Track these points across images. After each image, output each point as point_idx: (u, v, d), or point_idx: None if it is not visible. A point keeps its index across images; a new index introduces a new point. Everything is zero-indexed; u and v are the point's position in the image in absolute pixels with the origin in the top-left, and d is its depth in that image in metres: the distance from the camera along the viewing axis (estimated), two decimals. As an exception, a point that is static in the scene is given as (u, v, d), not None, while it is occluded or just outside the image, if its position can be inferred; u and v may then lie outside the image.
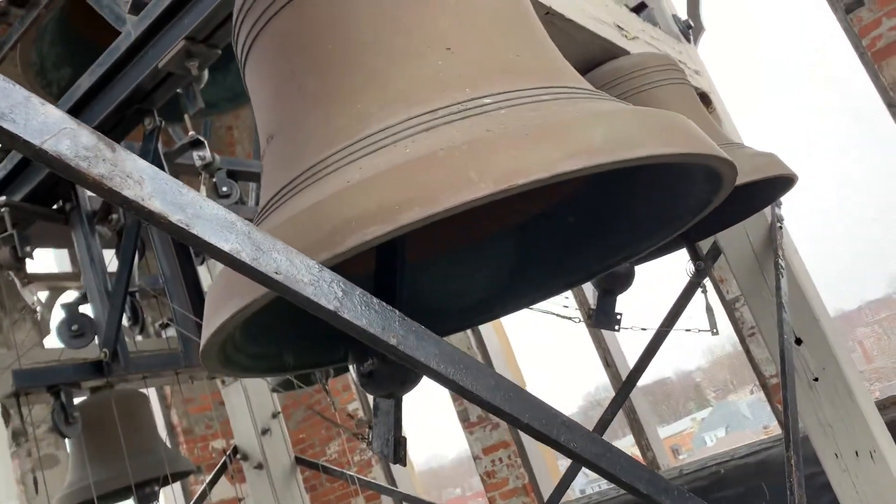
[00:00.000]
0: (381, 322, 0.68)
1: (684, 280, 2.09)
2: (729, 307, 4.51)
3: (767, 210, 2.37)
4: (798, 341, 2.30)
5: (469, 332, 5.42)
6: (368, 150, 0.79)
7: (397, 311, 0.70)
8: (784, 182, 1.79)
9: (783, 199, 2.40)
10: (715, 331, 2.08)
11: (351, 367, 1.16)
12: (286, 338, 1.17)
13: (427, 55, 0.87)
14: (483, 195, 0.69)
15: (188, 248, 2.19)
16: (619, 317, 1.86)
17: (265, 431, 3.73)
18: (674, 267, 2.08)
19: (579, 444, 0.84)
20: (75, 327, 1.83)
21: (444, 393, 5.67)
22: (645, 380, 5.17)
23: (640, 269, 2.10)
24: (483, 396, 0.76)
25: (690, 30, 2.67)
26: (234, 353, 1.00)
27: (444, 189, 0.70)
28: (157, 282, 2.08)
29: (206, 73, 1.83)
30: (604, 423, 2.79)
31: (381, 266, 1.20)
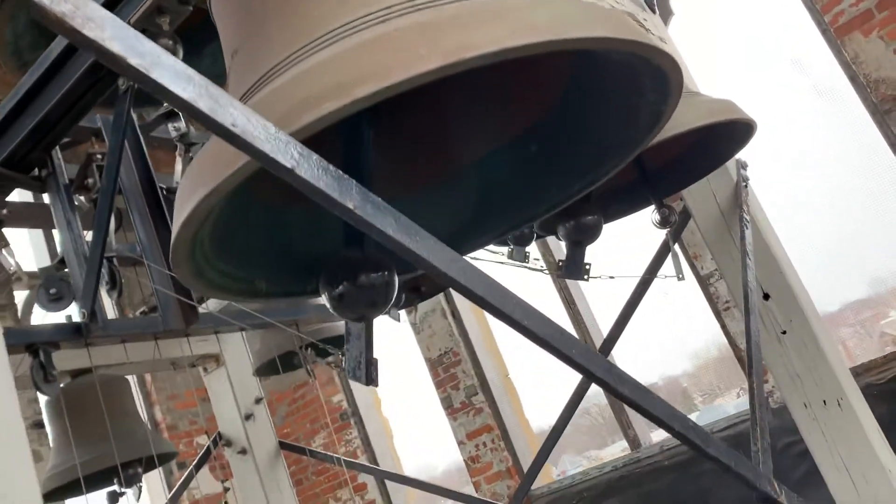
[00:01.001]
0: (338, 187, 0.72)
1: (650, 234, 2.14)
2: (703, 282, 4.58)
3: (733, 170, 2.43)
4: (766, 296, 2.36)
5: (451, 319, 5.48)
6: (327, 43, 0.84)
7: (354, 181, 0.74)
8: (743, 130, 1.85)
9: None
10: (681, 276, 2.13)
11: (323, 292, 1.19)
12: (258, 262, 1.20)
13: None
14: (432, 68, 0.73)
15: (165, 217, 2.22)
16: (587, 266, 1.91)
17: (249, 416, 3.74)
18: (641, 222, 2.14)
19: (533, 323, 0.88)
20: (53, 291, 1.85)
21: (434, 399, 5.70)
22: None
23: (607, 227, 2.15)
24: (439, 267, 0.80)
25: (655, 1, 2.74)
26: (204, 264, 1.03)
27: (395, 65, 0.74)
28: (134, 249, 2.11)
29: (179, 51, 1.87)
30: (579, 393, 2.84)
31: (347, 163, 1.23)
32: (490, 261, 2.21)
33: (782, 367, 2.34)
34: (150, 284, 1.98)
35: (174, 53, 1.87)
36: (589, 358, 0.94)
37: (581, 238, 1.89)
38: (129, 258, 2.12)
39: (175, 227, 0.88)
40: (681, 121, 1.68)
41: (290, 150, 0.68)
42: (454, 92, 1.21)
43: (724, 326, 4.47)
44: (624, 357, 4.95)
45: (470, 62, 0.74)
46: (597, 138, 1.22)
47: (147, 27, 1.63)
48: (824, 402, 2.27)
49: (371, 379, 1.31)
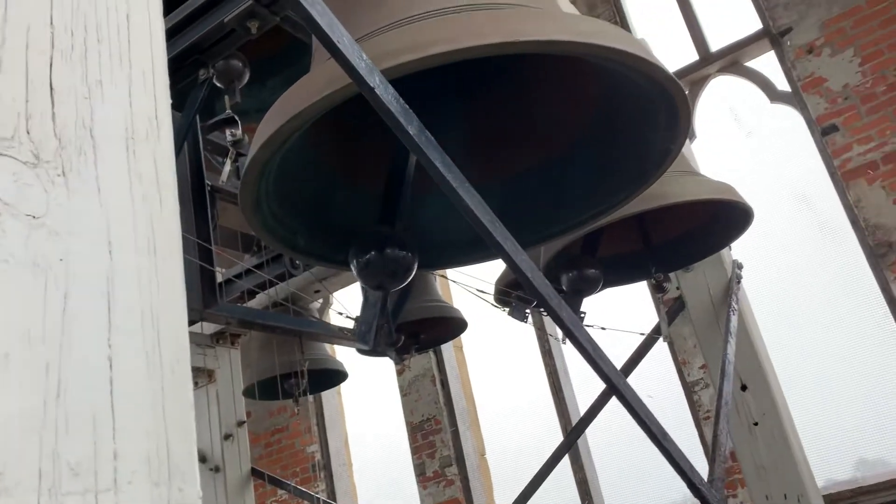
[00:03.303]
0: (404, 113, 0.90)
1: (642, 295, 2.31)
2: (688, 389, 4.69)
3: (728, 265, 2.62)
4: (743, 387, 2.49)
5: (439, 386, 5.56)
6: (409, 21, 1.04)
7: (416, 116, 0.93)
8: (741, 216, 2.04)
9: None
10: (666, 337, 2.27)
11: (352, 259, 1.37)
12: (305, 219, 1.38)
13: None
14: (493, 42, 0.93)
15: (206, 210, 2.41)
16: (583, 315, 2.06)
17: (228, 437, 3.80)
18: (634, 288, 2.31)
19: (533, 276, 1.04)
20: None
21: (408, 465, 5.72)
22: (604, 465, 5.26)
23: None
24: (469, 205, 0.96)
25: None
26: (265, 196, 1.20)
27: (463, 36, 0.94)
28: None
29: (247, 73, 2.12)
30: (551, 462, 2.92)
31: (390, 183, 1.42)
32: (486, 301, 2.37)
33: (750, 458, 2.44)
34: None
35: (243, 74, 2.13)
36: (545, 289, 1.09)
37: (581, 288, 2.06)
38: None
39: (254, 148, 1.07)
40: (688, 191, 1.89)
41: (374, 75, 0.87)
42: (500, 104, 1.42)
43: (701, 436, 4.54)
44: (598, 447, 5.00)
45: (524, 46, 0.95)
46: (612, 168, 1.41)
47: (237, 28, 1.87)
48: (785, 496, 2.36)
49: (377, 344, 1.46)
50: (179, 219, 0.55)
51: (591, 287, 2.09)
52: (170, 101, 0.59)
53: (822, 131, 4.55)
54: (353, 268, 1.37)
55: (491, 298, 2.73)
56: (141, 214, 0.52)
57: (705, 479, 1.68)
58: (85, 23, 0.55)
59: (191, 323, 2.69)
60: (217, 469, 3.73)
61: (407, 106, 0.92)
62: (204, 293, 2.28)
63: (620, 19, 5.68)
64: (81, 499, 0.41)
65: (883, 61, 4.52)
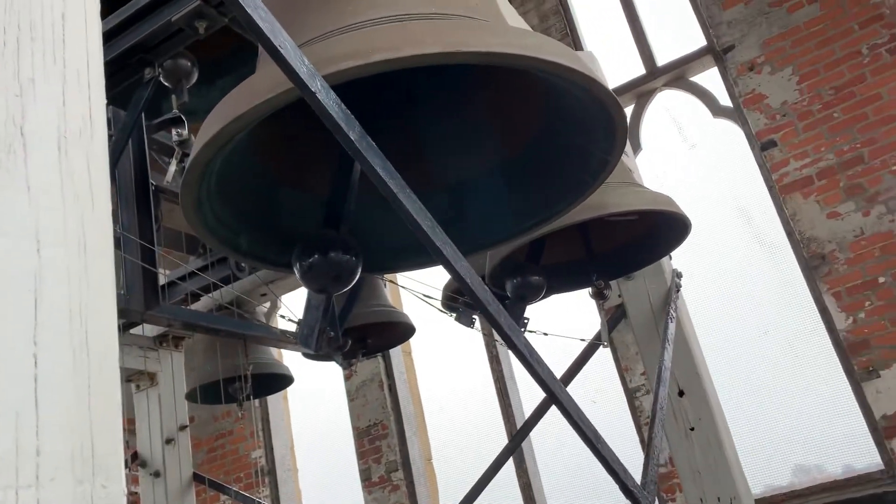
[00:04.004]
0: (345, 119, 0.91)
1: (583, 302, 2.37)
2: (630, 395, 4.79)
3: (669, 275, 2.69)
4: (681, 393, 2.56)
5: (387, 392, 5.55)
6: (353, 29, 1.06)
7: (357, 122, 0.94)
8: (680, 227, 2.11)
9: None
10: (605, 343, 2.33)
11: (295, 261, 1.37)
12: (247, 220, 1.37)
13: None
14: (433, 52, 0.95)
15: (150, 208, 2.37)
16: (526, 320, 2.10)
17: (170, 441, 3.73)
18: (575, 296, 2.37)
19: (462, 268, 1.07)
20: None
21: (353, 471, 5.70)
22: (549, 470, 5.32)
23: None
24: (408, 208, 0.98)
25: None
26: (206, 197, 1.20)
27: (405, 45, 0.96)
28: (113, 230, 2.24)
29: (195, 72, 2.11)
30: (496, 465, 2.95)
31: (335, 187, 1.43)
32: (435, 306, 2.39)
33: (686, 462, 2.51)
34: (122, 254, 2.11)
35: (191, 73, 2.11)
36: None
37: (524, 294, 2.09)
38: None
39: (196, 146, 1.07)
40: (628, 201, 1.94)
41: (316, 81, 0.88)
42: (445, 113, 1.44)
43: (642, 441, 4.63)
44: (543, 452, 5.06)
45: (463, 56, 0.97)
46: (554, 178, 1.45)
47: (184, 27, 1.86)
48: (719, 499, 2.43)
49: (319, 347, 1.47)
50: (111, 219, 0.55)
51: (534, 294, 2.13)
52: (105, 102, 0.60)
53: (762, 146, 4.72)
54: (296, 271, 1.37)
55: (438, 304, 2.75)
56: (72, 213, 0.52)
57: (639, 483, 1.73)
58: (18, 21, 0.55)
59: (132, 325, 2.65)
60: (158, 474, 3.66)
61: (349, 112, 0.93)
62: (146, 295, 2.25)
63: (571, 32, 5.79)
64: (2, 494, 0.41)
65: (819, 80, 4.71)
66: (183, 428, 3.87)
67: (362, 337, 3.34)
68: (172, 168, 2.50)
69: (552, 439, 4.93)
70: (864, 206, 4.45)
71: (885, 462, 4.31)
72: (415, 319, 3.31)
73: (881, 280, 4.35)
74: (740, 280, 4.76)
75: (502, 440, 5.08)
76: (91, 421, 0.47)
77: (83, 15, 0.60)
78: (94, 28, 0.60)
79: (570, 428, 1.26)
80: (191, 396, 3.65)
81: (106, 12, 2.02)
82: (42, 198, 0.51)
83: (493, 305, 1.12)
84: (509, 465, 4.83)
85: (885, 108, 4.46)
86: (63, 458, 0.45)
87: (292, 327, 2.71)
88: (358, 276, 1.41)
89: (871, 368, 4.28)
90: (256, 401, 5.80)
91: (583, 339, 2.42)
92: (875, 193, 4.44)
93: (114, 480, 0.48)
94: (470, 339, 5.50)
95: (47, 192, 0.51)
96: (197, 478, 3.78)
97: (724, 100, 5.14)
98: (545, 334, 2.17)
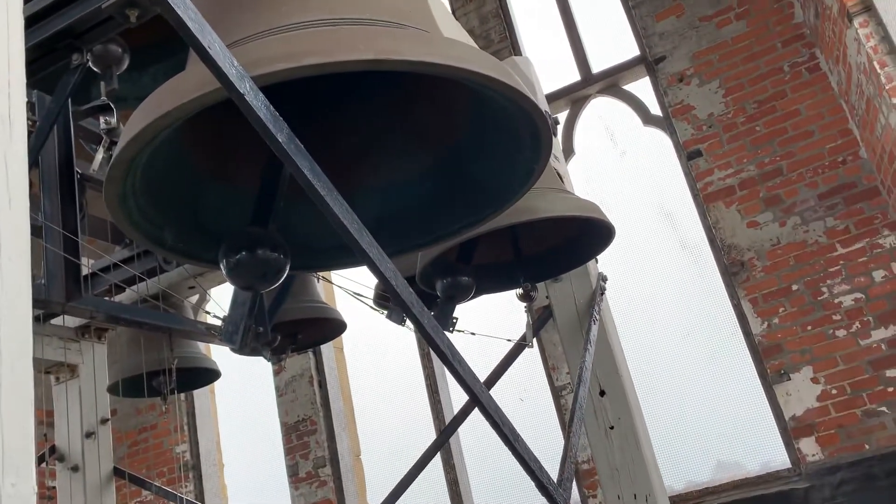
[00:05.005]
0: (273, 121, 0.93)
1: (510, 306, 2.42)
2: (556, 393, 4.91)
3: (594, 278, 2.77)
4: (602, 393, 2.64)
5: (317, 387, 5.52)
6: (286, 30, 1.07)
7: (286, 124, 0.95)
8: (605, 233, 2.18)
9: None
10: (530, 344, 2.39)
11: (222, 257, 1.36)
12: (173, 216, 1.36)
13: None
14: (365, 59, 0.97)
15: (74, 197, 2.31)
16: (454, 320, 2.14)
17: (90, 435, 3.63)
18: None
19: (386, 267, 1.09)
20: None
21: (281, 466, 5.65)
22: (477, 468, 5.39)
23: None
24: (335, 211, 1.00)
25: (557, 125, 3.15)
26: (131, 192, 1.19)
27: (338, 49, 0.97)
28: (34, 219, 2.18)
29: (126, 59, 2.06)
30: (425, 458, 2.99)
31: (264, 184, 1.44)
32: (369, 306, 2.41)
33: (605, 460, 2.59)
34: (43, 243, 2.05)
35: (121, 60, 2.07)
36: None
37: (454, 294, 2.13)
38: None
39: (121, 143, 1.06)
40: (555, 207, 2.00)
41: (245, 82, 0.89)
42: (378, 115, 1.46)
43: (567, 439, 4.74)
44: (472, 450, 5.13)
45: (394, 64, 0.99)
46: (481, 185, 1.48)
47: (115, 15, 1.82)
48: (635, 496, 2.53)
49: (245, 345, 1.47)
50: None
51: (463, 294, 2.16)
52: (25, 101, 0.60)
53: (688, 155, 4.90)
54: (222, 267, 1.36)
55: (370, 302, 2.76)
56: (-13, 213, 0.53)
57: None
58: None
59: (52, 316, 2.57)
60: (76, 468, 3.56)
61: (277, 114, 0.94)
62: (67, 285, 2.19)
63: (510, 35, 5.87)
64: None
65: (743, 94, 4.92)
66: (104, 421, 3.77)
67: (293, 332, 3.32)
68: (99, 156, 2.44)
69: (480, 436, 5.00)
70: (781, 216, 4.67)
71: (792, 461, 4.53)
72: (347, 316, 3.31)
73: (794, 287, 4.58)
74: (664, 283, 4.93)
75: (432, 437, 5.13)
76: (1, 420, 0.47)
77: (5, 13, 0.60)
78: (15, 28, 0.60)
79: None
80: (113, 389, 3.57)
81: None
82: (-43, 197, 0.51)
83: (417, 306, 1.14)
84: (437, 462, 4.88)
85: (802, 124, 4.69)
86: (-29, 457, 0.45)
87: (219, 322, 2.69)
88: (286, 275, 1.42)
89: (782, 371, 4.50)
90: (182, 395, 5.69)
91: (509, 340, 2.48)
92: (791, 204, 4.67)
93: (24, 479, 0.49)
94: (401, 337, 5.53)
95: (-38, 192, 0.51)
96: (117, 472, 3.69)
97: (655, 109, 5.31)
98: (472, 334, 2.22)
